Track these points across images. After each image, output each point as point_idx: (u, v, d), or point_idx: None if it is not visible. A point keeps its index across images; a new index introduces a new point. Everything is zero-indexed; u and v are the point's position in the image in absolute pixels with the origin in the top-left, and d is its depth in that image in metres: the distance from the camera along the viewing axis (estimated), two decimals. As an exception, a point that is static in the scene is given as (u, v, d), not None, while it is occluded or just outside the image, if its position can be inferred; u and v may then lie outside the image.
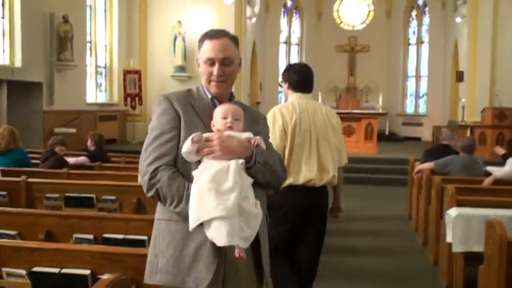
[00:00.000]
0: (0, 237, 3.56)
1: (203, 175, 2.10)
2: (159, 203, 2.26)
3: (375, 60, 20.70)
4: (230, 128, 2.23)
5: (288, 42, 21.41)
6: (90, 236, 3.46)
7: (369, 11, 21.65)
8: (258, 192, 2.21)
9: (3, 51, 10.93)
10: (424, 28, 20.41)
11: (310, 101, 3.77)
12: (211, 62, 2.30)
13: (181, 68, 15.52)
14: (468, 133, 12.94)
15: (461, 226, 4.53)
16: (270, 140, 2.54)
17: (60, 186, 5.18)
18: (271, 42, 20.29)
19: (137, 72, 15.18)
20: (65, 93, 12.44)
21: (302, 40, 21.56)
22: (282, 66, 20.99)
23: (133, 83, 15.06)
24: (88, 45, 14.31)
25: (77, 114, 12.94)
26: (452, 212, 4.64)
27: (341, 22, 21.79)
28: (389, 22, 21.05)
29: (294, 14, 21.51)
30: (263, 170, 2.23)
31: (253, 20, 17.20)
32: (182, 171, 2.21)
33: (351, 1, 21.82)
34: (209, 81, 2.34)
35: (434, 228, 5.72)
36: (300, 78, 3.73)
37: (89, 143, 7.47)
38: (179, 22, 15.37)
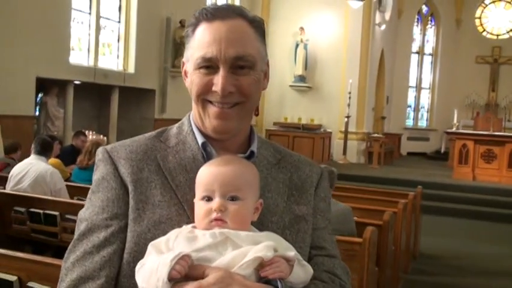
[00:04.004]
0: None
1: None
2: None
3: (521, 74, 18.33)
4: (219, 222, 1.08)
5: (420, 52, 19.62)
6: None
7: (517, 19, 19.27)
8: None
9: (118, 57, 10.66)
10: None
11: None
12: (210, 65, 1.16)
13: (302, 78, 14.63)
14: None
15: None
16: None
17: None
18: (401, 52, 18.64)
19: (255, 80, 14.51)
20: (178, 101, 11.96)
21: (437, 50, 19.66)
22: (413, 78, 19.34)
23: (251, 91, 14.41)
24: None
25: (189, 124, 12.45)
26: None
27: (483, 30, 19.61)
28: (542, 31, 18.52)
29: (429, 21, 19.69)
30: None
31: (383, 27, 15.76)
32: None
33: (496, 7, 19.55)
34: (203, 106, 1.18)
35: None
36: None
37: None
38: (302, 29, 14.53)
